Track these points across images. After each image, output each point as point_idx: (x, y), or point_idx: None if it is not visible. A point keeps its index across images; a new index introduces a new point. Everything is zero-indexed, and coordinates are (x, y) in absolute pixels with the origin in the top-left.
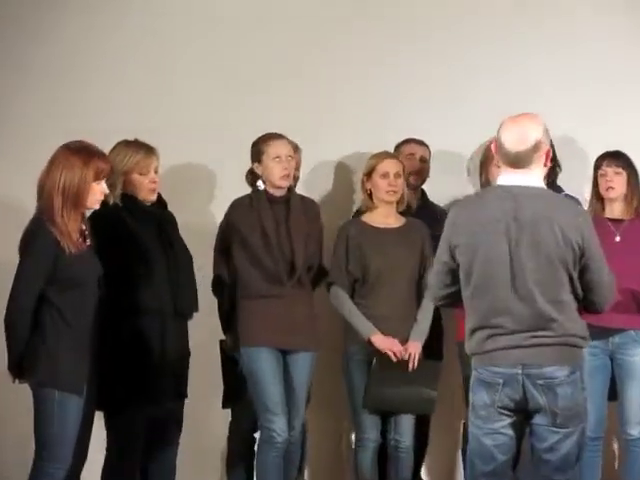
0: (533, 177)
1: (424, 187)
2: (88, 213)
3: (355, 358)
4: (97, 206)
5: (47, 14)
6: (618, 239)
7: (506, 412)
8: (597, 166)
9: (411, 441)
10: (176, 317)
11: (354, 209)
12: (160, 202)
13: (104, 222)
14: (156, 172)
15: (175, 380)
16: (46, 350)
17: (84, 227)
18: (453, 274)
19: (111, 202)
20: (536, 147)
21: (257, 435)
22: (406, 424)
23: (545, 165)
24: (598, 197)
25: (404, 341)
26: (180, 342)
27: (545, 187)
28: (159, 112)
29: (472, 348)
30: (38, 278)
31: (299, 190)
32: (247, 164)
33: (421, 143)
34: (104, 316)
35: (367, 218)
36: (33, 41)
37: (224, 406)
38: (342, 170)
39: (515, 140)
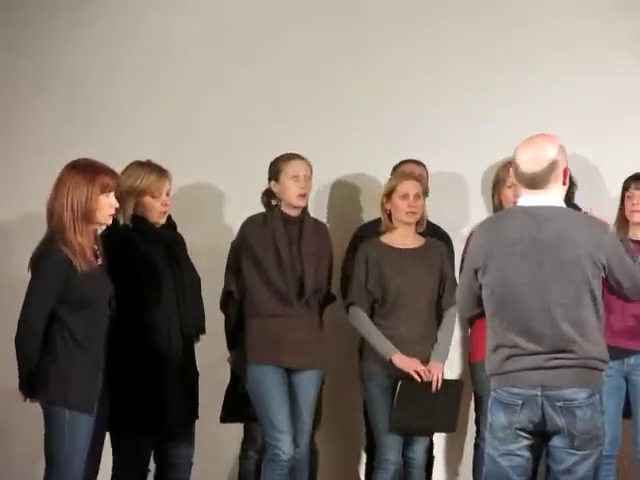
0: (552, 197)
1: None
2: (99, 231)
3: (375, 378)
4: (109, 221)
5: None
6: None
7: (524, 434)
8: (625, 187)
9: (424, 458)
10: (182, 338)
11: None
12: (169, 223)
13: (114, 242)
14: (168, 195)
15: (184, 401)
16: (57, 369)
17: (96, 247)
18: (479, 296)
19: (121, 223)
20: (552, 167)
21: None
22: (421, 441)
23: (564, 184)
24: (624, 218)
25: (425, 362)
26: (187, 363)
27: (565, 206)
28: (167, 132)
29: (492, 368)
30: (49, 298)
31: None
32: (256, 183)
33: (418, 163)
34: (115, 336)
35: (386, 239)
36: (42, 62)
37: (222, 421)
38: (345, 191)
39: (530, 161)
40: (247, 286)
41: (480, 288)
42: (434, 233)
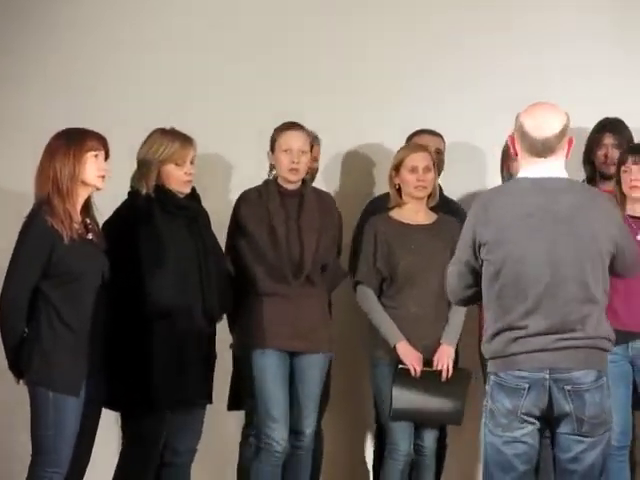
0: (559, 167)
1: (439, 181)
2: (104, 209)
3: (382, 363)
4: (99, 183)
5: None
6: (639, 238)
7: (529, 419)
8: (621, 161)
9: (434, 447)
10: (205, 318)
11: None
12: (194, 196)
13: (134, 218)
14: (192, 163)
15: (202, 383)
16: (41, 349)
17: (89, 221)
18: (476, 274)
19: (144, 192)
20: (563, 132)
21: None
22: (430, 428)
23: (567, 156)
24: (621, 194)
25: (435, 343)
26: (208, 345)
27: (569, 178)
28: (171, 104)
29: (493, 351)
30: (33, 270)
31: (318, 182)
32: (264, 155)
33: (435, 134)
34: (130, 315)
35: (396, 214)
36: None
37: (229, 408)
38: (362, 161)
39: (541, 125)
40: (242, 265)
41: (479, 266)
42: (447, 207)
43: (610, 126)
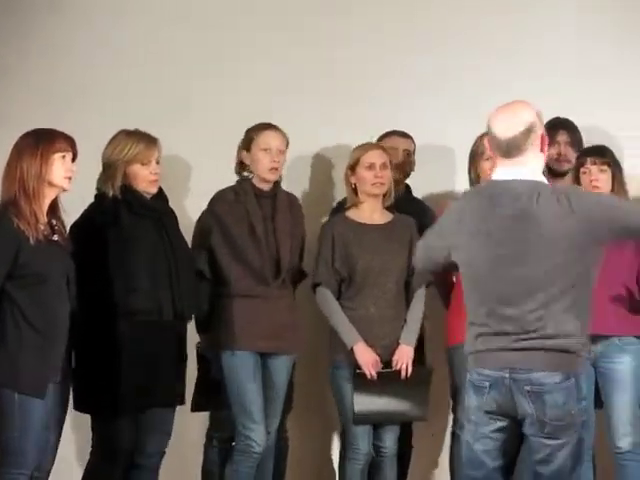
0: (529, 168)
1: (408, 181)
2: (71, 209)
3: (342, 366)
4: (66, 185)
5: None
6: None
7: (495, 416)
8: (580, 163)
9: (395, 448)
10: (175, 320)
11: (334, 205)
12: (161, 196)
13: (102, 220)
14: (158, 163)
15: (172, 385)
16: (6, 350)
17: (55, 222)
18: (436, 262)
19: (110, 194)
20: (528, 131)
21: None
22: (390, 430)
23: (542, 151)
24: None
25: (394, 344)
26: (178, 346)
27: (542, 177)
28: (133, 104)
29: (467, 347)
30: None
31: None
32: (225, 156)
33: (405, 135)
34: (98, 318)
35: (352, 214)
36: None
37: (193, 409)
38: (322, 164)
39: (505, 126)
40: (219, 265)
41: (448, 254)
42: (415, 207)
43: (563, 124)
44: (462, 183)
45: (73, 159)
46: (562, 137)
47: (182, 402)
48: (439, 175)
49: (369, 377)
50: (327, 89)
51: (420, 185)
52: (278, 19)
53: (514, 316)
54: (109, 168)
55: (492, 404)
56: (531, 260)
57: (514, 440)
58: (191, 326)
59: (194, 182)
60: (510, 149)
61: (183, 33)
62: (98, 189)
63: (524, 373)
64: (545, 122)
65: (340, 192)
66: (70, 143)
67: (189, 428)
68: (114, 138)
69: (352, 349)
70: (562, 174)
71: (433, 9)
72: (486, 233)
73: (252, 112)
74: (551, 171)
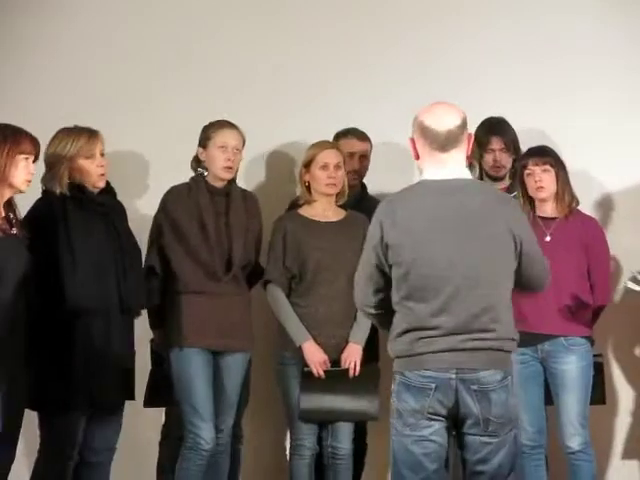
0: (461, 166)
1: (364, 180)
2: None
3: (291, 363)
4: (24, 187)
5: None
6: (548, 239)
7: (436, 417)
8: (523, 165)
9: (350, 448)
10: (122, 314)
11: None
12: (108, 190)
13: (50, 217)
14: (102, 155)
15: (120, 380)
16: None
17: (12, 215)
18: (385, 277)
19: (57, 191)
20: (464, 124)
21: None
22: (344, 430)
23: (468, 151)
24: (527, 197)
25: (343, 343)
26: (126, 341)
27: (472, 178)
28: (88, 102)
29: (399, 350)
30: None
31: (238, 182)
32: (183, 153)
33: (362, 138)
34: (47, 314)
35: (305, 211)
36: None
37: (145, 405)
38: (281, 161)
39: (443, 120)
40: (171, 261)
41: (389, 268)
42: (371, 205)
43: (496, 129)
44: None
45: (34, 160)
46: (496, 145)
47: (132, 397)
48: (395, 173)
49: (316, 375)
50: (283, 88)
51: (376, 183)
52: (234, 19)
53: (467, 316)
54: (53, 166)
55: (437, 406)
56: (488, 258)
57: (449, 440)
58: (146, 322)
59: (153, 178)
60: (448, 142)
61: (141, 31)
62: (44, 187)
63: (471, 372)
64: (479, 122)
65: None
66: (35, 145)
67: (144, 425)
68: (55, 136)
69: (300, 347)
70: (497, 178)
71: (391, 6)
72: (442, 230)
73: (212, 109)
74: (489, 176)
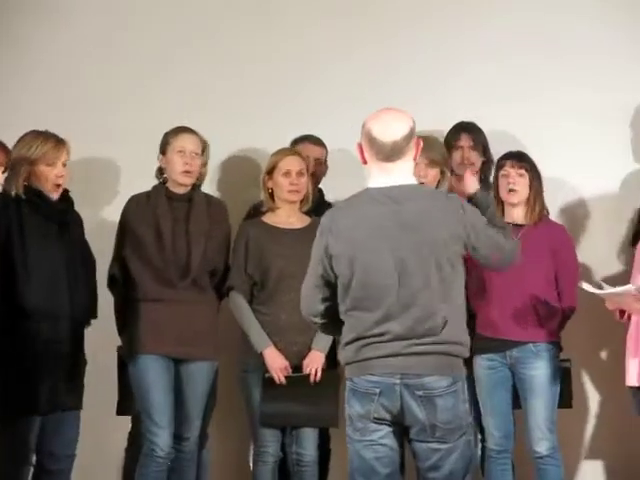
0: (407, 173)
1: (321, 185)
2: None
3: (253, 369)
4: None
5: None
6: None
7: (383, 422)
8: (499, 166)
9: (315, 454)
10: (72, 322)
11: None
12: (66, 198)
13: (4, 220)
14: (64, 166)
15: (68, 388)
16: None
17: None
18: (331, 287)
19: (13, 193)
20: (410, 135)
21: None
22: (309, 436)
23: (414, 159)
24: (498, 200)
25: (305, 350)
26: (75, 348)
27: (417, 183)
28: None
29: (347, 357)
30: None
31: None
32: (152, 160)
33: (317, 143)
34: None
35: (268, 218)
36: None
37: (118, 413)
38: (249, 168)
39: (389, 131)
40: (129, 268)
41: (334, 278)
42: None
43: (465, 128)
44: None
45: (4, 171)
46: (465, 141)
47: (77, 407)
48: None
49: (277, 382)
50: (246, 93)
51: (332, 189)
52: (197, 21)
53: (410, 322)
54: (15, 167)
55: (380, 411)
56: (429, 264)
57: (402, 445)
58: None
59: (124, 185)
60: (394, 153)
61: (104, 34)
62: (1, 188)
63: (415, 378)
64: (451, 126)
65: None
66: (7, 155)
67: (110, 432)
68: (22, 138)
69: (262, 353)
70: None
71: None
72: (383, 238)
73: (177, 116)
74: (454, 174)
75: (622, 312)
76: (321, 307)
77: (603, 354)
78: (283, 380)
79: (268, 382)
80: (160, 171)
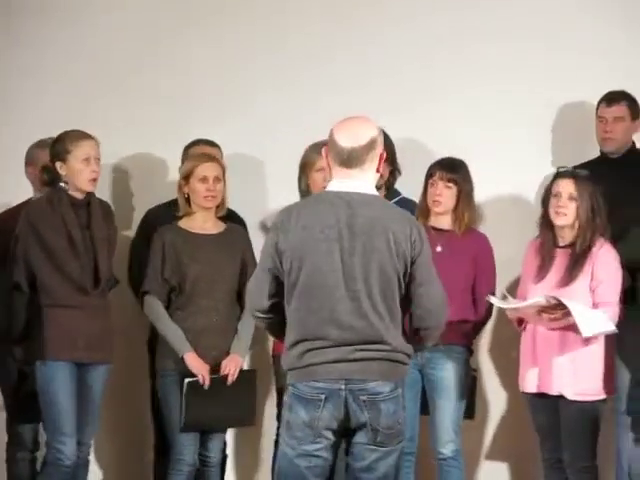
0: (366, 182)
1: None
2: None
3: (169, 374)
4: None
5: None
6: (439, 249)
7: (326, 433)
8: (430, 174)
9: (220, 455)
10: None
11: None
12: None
13: None
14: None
15: None
16: None
17: None
18: (278, 283)
19: None
20: (372, 144)
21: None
22: (217, 438)
23: (378, 170)
24: (425, 205)
25: (223, 355)
26: None
27: (377, 194)
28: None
29: (290, 363)
30: None
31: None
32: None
33: (212, 144)
34: None
35: (184, 224)
36: None
37: (18, 422)
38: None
39: (351, 136)
40: (38, 275)
41: (283, 274)
42: (230, 219)
43: None
44: (285, 194)
45: None
46: None
47: None
48: (251, 187)
49: (201, 382)
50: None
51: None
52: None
53: (356, 327)
54: None
55: (327, 417)
56: (375, 270)
57: (336, 456)
58: None
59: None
60: (351, 159)
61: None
62: None
63: (360, 383)
64: None
65: (153, 199)
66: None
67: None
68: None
69: (182, 358)
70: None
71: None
72: (332, 240)
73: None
74: None
75: (520, 321)
76: (267, 303)
77: (506, 363)
78: (208, 381)
79: (191, 387)
80: (49, 175)
